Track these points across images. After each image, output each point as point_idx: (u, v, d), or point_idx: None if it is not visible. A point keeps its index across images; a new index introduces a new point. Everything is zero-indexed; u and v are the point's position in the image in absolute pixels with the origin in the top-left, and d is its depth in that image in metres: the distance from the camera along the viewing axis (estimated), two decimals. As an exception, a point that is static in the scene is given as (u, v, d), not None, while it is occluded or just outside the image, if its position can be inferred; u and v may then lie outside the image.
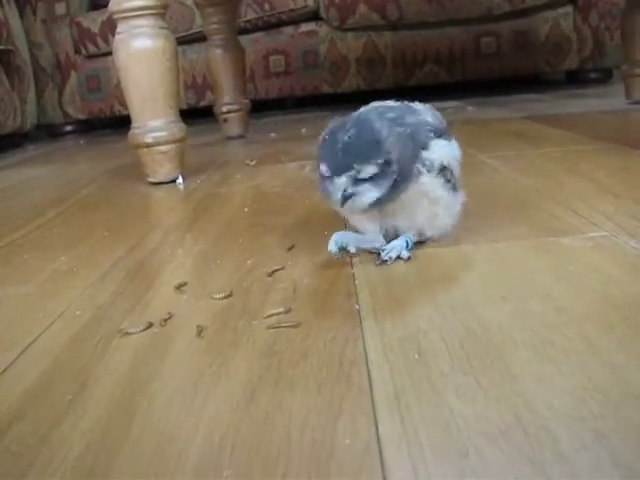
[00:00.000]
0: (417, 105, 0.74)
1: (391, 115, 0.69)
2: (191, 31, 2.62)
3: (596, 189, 0.94)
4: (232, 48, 2.05)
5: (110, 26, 2.59)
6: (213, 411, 0.45)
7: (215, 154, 1.78)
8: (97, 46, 2.71)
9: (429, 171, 0.69)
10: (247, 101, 2.10)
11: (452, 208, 0.74)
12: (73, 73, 2.78)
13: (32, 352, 0.59)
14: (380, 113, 0.68)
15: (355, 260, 0.73)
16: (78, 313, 0.67)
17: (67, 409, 0.48)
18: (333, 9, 2.61)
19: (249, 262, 0.76)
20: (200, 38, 2.44)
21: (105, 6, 2.57)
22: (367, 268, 0.70)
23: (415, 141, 0.68)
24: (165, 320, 0.62)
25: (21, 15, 2.68)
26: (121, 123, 2.53)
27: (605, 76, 2.76)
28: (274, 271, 0.72)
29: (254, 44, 2.65)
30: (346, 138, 0.65)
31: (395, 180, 0.66)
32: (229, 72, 2.04)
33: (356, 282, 0.66)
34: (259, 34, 2.68)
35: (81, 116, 2.84)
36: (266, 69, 2.71)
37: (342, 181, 0.65)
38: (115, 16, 1.31)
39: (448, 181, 0.71)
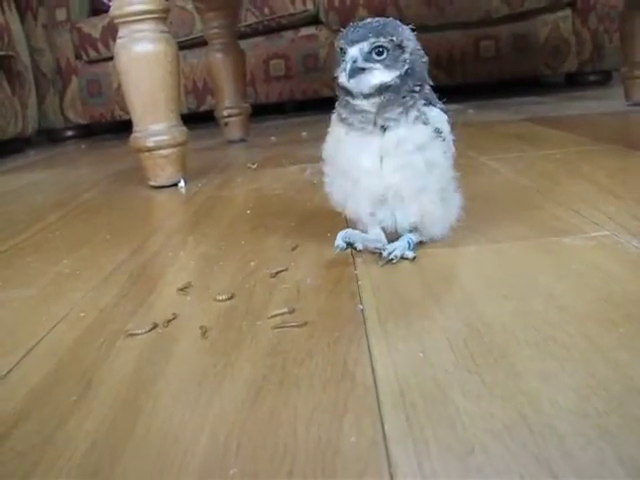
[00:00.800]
0: None
1: None
2: (191, 36, 2.63)
3: (597, 190, 0.94)
4: (232, 52, 2.05)
5: (111, 31, 2.60)
6: (218, 410, 0.45)
7: (216, 158, 1.79)
8: (98, 51, 2.72)
9: (425, 123, 0.69)
10: (248, 105, 2.10)
11: (448, 202, 0.74)
12: (74, 78, 2.79)
13: (36, 354, 0.59)
14: None
15: (358, 260, 0.73)
16: (82, 315, 0.67)
17: (72, 409, 0.48)
18: (333, 13, 2.62)
19: (252, 264, 0.76)
20: (200, 43, 2.44)
21: (105, 12, 2.58)
22: (370, 268, 0.71)
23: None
24: (169, 321, 0.62)
25: (22, 20, 2.68)
26: (122, 128, 2.54)
27: (604, 78, 2.76)
28: (277, 272, 0.72)
29: (254, 48, 2.66)
30: (368, 20, 0.68)
31: (407, 70, 0.68)
32: (230, 76, 2.04)
33: (359, 282, 0.67)
34: (259, 38, 2.69)
35: (82, 121, 2.84)
36: (266, 73, 2.71)
37: (354, 50, 0.67)
38: (116, 20, 1.31)
39: (444, 150, 0.72)
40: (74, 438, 0.44)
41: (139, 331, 0.60)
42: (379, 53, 0.67)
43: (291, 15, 2.63)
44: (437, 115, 0.71)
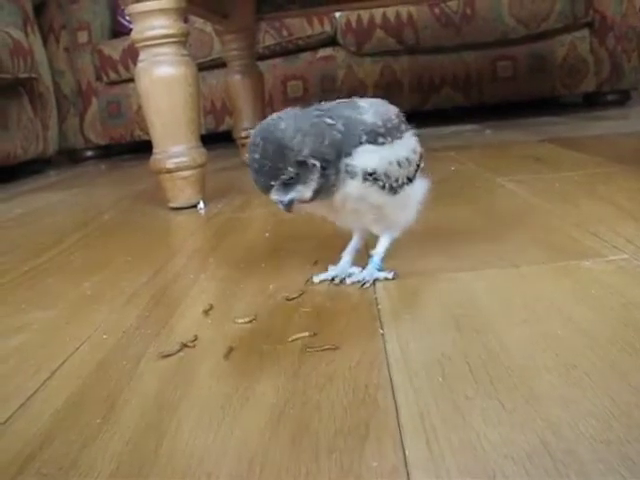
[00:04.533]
0: (365, 101, 0.73)
1: (326, 107, 0.70)
2: (210, 57, 2.66)
3: (616, 212, 0.94)
4: (251, 74, 2.07)
5: (131, 53, 2.63)
6: (241, 434, 0.46)
7: (234, 179, 1.80)
8: (118, 73, 2.75)
9: (352, 178, 0.68)
10: (266, 126, 2.11)
11: (407, 206, 0.75)
12: (94, 99, 2.82)
13: (60, 376, 0.60)
14: (315, 107, 0.70)
15: (378, 284, 0.73)
16: (104, 337, 0.68)
17: (96, 432, 0.49)
18: (350, 34, 2.64)
19: (271, 286, 0.77)
20: (219, 64, 2.47)
21: (126, 34, 2.61)
22: (389, 292, 0.71)
23: (345, 139, 0.67)
24: (191, 342, 0.63)
25: (45, 43, 2.72)
26: (140, 148, 2.56)
27: (623, 98, 2.76)
28: (297, 295, 0.73)
29: (272, 69, 2.68)
30: (257, 156, 0.66)
31: (322, 167, 0.66)
32: (248, 97, 2.06)
33: (379, 306, 0.67)
34: (277, 60, 2.71)
35: (102, 141, 2.87)
36: (284, 94, 2.73)
37: (273, 196, 0.68)
38: (137, 44, 1.33)
39: (383, 187, 0.70)
40: (99, 461, 0.45)
41: (170, 351, 0.61)
42: (290, 180, 0.66)
43: (309, 37, 2.66)
44: (364, 158, 0.68)
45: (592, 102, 2.78)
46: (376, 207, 0.72)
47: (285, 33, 2.65)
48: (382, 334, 0.60)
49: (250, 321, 0.67)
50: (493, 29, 2.63)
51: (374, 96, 2.43)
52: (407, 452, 0.41)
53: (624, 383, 0.47)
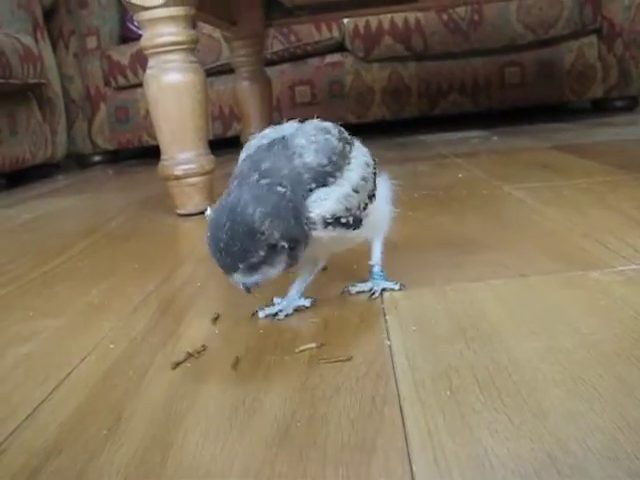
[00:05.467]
0: (300, 136, 0.67)
1: (266, 166, 0.65)
2: (218, 63, 2.66)
3: (625, 221, 0.94)
4: (259, 80, 2.08)
5: (139, 59, 2.64)
6: (248, 447, 0.46)
7: (242, 185, 1.80)
8: (126, 78, 2.76)
9: (314, 229, 0.65)
10: (273, 132, 2.12)
11: (378, 216, 0.73)
12: (102, 105, 2.83)
13: (67, 385, 0.60)
14: (252, 167, 0.66)
15: (385, 295, 0.73)
16: (111, 347, 0.68)
17: (103, 443, 0.49)
18: (358, 40, 2.64)
19: (280, 295, 0.77)
20: (227, 70, 2.48)
21: (136, 39, 2.62)
22: (397, 303, 0.71)
23: (297, 197, 0.64)
24: (199, 352, 0.63)
25: (54, 49, 2.74)
26: (148, 153, 2.57)
27: (631, 104, 2.75)
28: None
29: (280, 75, 2.69)
30: (224, 236, 0.63)
31: (290, 248, 0.64)
32: (256, 103, 2.06)
33: (386, 317, 0.67)
34: (285, 65, 2.71)
35: (109, 147, 2.88)
36: (292, 99, 2.73)
37: (237, 279, 0.65)
38: (146, 51, 1.33)
39: (344, 224, 0.66)
40: (105, 473, 0.45)
41: (177, 361, 0.61)
42: (257, 263, 0.64)
43: (317, 42, 2.66)
44: (319, 206, 0.65)
45: (600, 108, 2.77)
46: (346, 238, 0.69)
47: (293, 39, 2.66)
48: (389, 345, 0.60)
49: (258, 331, 0.67)
50: (501, 35, 2.63)
51: (382, 102, 2.43)
52: (414, 467, 0.41)
53: (632, 397, 0.47)
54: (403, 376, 0.53)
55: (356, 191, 0.67)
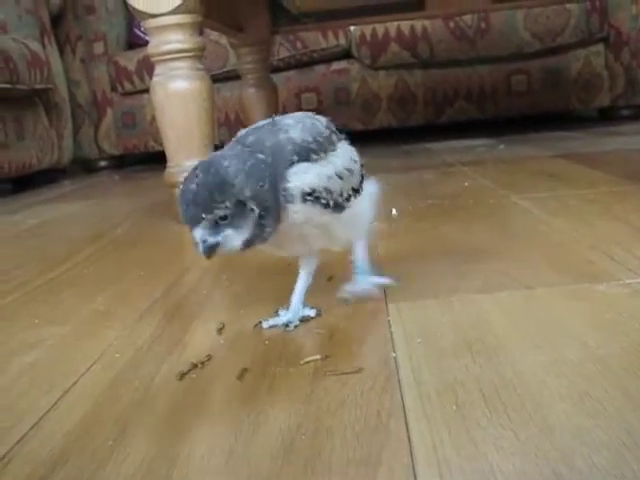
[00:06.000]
0: (290, 117, 0.69)
1: (251, 139, 0.65)
2: (225, 69, 2.67)
3: (632, 233, 0.94)
4: (266, 87, 2.08)
5: (146, 64, 2.65)
6: (253, 460, 0.46)
7: (248, 191, 1.80)
8: (133, 84, 2.77)
9: (291, 201, 0.63)
10: (279, 138, 2.12)
11: (361, 217, 0.72)
12: (109, 110, 2.84)
13: (72, 395, 0.60)
14: (238, 142, 0.66)
15: (390, 306, 0.73)
16: (117, 356, 0.68)
17: (108, 454, 0.49)
18: (365, 48, 2.64)
19: (285, 305, 0.77)
20: (234, 76, 2.48)
21: (142, 45, 2.63)
22: (403, 314, 0.71)
23: (277, 167, 0.63)
24: (204, 362, 0.63)
25: (61, 54, 2.75)
26: (154, 159, 2.57)
27: (638, 113, 2.75)
28: (310, 315, 0.72)
29: (286, 82, 2.69)
30: (193, 186, 0.61)
31: (260, 216, 0.62)
32: (262, 110, 2.07)
33: (392, 329, 0.67)
34: (291, 72, 2.72)
35: (116, 152, 2.89)
36: (298, 106, 2.74)
37: (198, 233, 0.62)
38: (153, 59, 1.34)
39: (324, 205, 0.65)
40: (111, 485, 0.45)
41: (182, 372, 0.61)
42: (223, 218, 0.61)
43: (323, 50, 2.66)
44: (299, 178, 0.64)
45: (607, 117, 2.77)
46: (324, 227, 0.67)
47: (299, 46, 2.66)
48: (395, 357, 0.60)
49: (263, 341, 0.67)
50: (508, 43, 2.63)
51: (388, 109, 2.44)
52: (420, 482, 0.41)
53: (638, 413, 0.46)
54: (409, 389, 0.53)
55: (340, 177, 0.66)
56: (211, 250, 0.62)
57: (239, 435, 0.49)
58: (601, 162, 1.64)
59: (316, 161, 0.65)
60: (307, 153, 0.65)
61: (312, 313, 0.73)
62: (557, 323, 0.65)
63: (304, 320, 0.72)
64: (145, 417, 0.54)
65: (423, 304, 0.73)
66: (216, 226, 0.61)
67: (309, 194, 0.64)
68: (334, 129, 0.71)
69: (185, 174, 1.31)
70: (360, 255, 0.75)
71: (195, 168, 0.63)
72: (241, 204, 0.61)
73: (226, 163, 0.62)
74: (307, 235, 0.67)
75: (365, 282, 0.75)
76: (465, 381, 0.54)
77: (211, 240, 0.62)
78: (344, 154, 0.69)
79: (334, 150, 0.68)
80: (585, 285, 0.74)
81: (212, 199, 0.60)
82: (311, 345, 0.65)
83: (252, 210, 0.61)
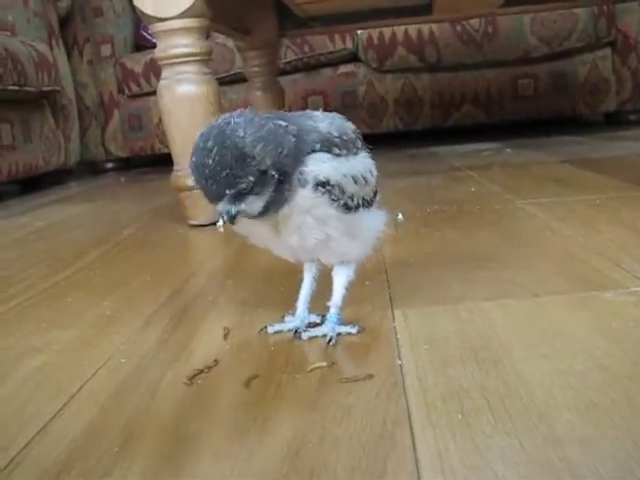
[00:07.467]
0: (320, 113, 0.68)
1: (273, 116, 0.63)
2: (231, 72, 2.67)
3: (639, 239, 0.93)
4: (272, 90, 2.08)
5: (152, 67, 2.66)
6: (259, 468, 0.46)
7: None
8: (140, 86, 2.77)
9: (303, 186, 0.62)
10: (286, 142, 2.12)
11: (359, 235, 0.69)
12: (116, 112, 2.84)
13: (78, 401, 0.60)
14: (250, 115, 0.62)
15: (397, 312, 0.73)
16: (122, 361, 0.68)
17: (114, 462, 0.49)
18: (372, 51, 2.65)
19: (290, 311, 0.77)
20: (240, 79, 2.48)
21: (149, 47, 2.63)
22: (409, 321, 0.71)
23: (299, 146, 0.62)
24: (210, 369, 0.63)
25: (69, 56, 2.76)
26: (160, 161, 2.58)
27: (645, 118, 2.75)
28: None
29: (293, 85, 2.69)
30: (209, 162, 0.59)
31: (279, 180, 0.61)
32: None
33: (398, 336, 0.67)
34: (298, 75, 2.72)
35: (122, 154, 2.89)
36: (305, 109, 2.74)
37: (221, 206, 0.61)
38: (160, 62, 1.34)
39: (335, 199, 0.64)
40: (116, 492, 0.45)
41: (188, 378, 0.61)
42: (243, 191, 0.60)
43: (330, 53, 2.67)
44: (317, 165, 0.63)
45: (613, 121, 2.77)
46: (324, 222, 0.65)
47: (306, 49, 2.66)
48: (400, 365, 0.60)
49: (269, 347, 0.67)
50: (515, 47, 2.63)
51: (395, 113, 2.44)
52: (425, 492, 0.41)
53: (645, 424, 0.46)
54: (414, 397, 0.53)
55: (354, 180, 0.66)
56: (234, 218, 0.62)
57: (245, 442, 0.49)
58: (608, 167, 1.64)
59: (337, 156, 0.64)
60: (330, 145, 0.64)
61: (318, 320, 0.72)
62: (563, 331, 0.65)
63: (310, 326, 0.72)
64: (151, 424, 0.54)
65: (429, 311, 0.73)
66: (238, 196, 0.61)
67: (323, 184, 0.63)
68: (360, 137, 0.70)
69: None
70: (337, 298, 0.72)
71: (206, 138, 0.60)
72: (262, 174, 0.60)
73: (241, 132, 0.59)
74: (304, 228, 0.65)
75: (326, 328, 0.70)
76: (471, 389, 0.54)
77: (234, 210, 0.61)
78: (364, 162, 0.69)
79: (355, 154, 0.67)
80: (592, 293, 0.74)
81: (234, 175, 0.59)
82: (317, 351, 0.65)
83: (272, 176, 0.61)
